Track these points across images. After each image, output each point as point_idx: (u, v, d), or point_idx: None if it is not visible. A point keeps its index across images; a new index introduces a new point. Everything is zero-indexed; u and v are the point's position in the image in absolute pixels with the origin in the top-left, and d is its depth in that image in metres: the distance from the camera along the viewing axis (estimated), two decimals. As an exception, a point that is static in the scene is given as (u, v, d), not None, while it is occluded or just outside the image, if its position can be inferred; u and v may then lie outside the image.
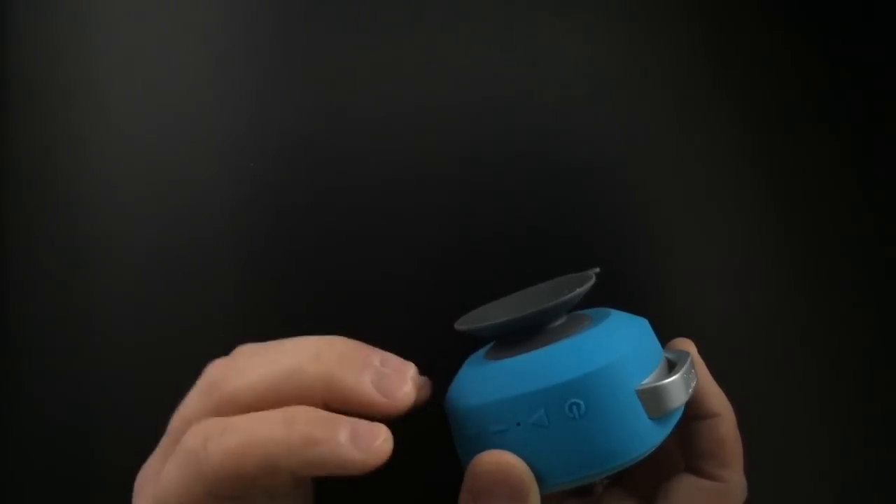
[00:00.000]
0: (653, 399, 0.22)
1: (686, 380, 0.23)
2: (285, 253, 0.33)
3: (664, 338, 0.26)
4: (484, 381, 0.23)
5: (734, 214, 0.35)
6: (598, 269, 0.26)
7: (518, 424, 0.21)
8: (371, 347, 0.23)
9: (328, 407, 0.21)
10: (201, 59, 0.33)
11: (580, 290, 0.24)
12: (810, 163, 0.36)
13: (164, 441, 0.23)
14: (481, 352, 0.27)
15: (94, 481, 0.32)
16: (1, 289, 0.32)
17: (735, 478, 0.25)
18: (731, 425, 0.26)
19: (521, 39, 0.34)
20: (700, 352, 0.27)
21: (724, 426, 0.26)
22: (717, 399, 0.26)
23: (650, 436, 0.22)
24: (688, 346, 0.27)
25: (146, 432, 0.32)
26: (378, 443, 0.20)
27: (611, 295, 0.34)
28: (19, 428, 0.32)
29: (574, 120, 0.34)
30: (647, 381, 0.22)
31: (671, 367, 0.24)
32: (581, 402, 0.21)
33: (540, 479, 0.22)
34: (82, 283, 0.32)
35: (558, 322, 0.25)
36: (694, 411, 0.26)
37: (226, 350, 0.24)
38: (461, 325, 0.25)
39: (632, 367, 0.22)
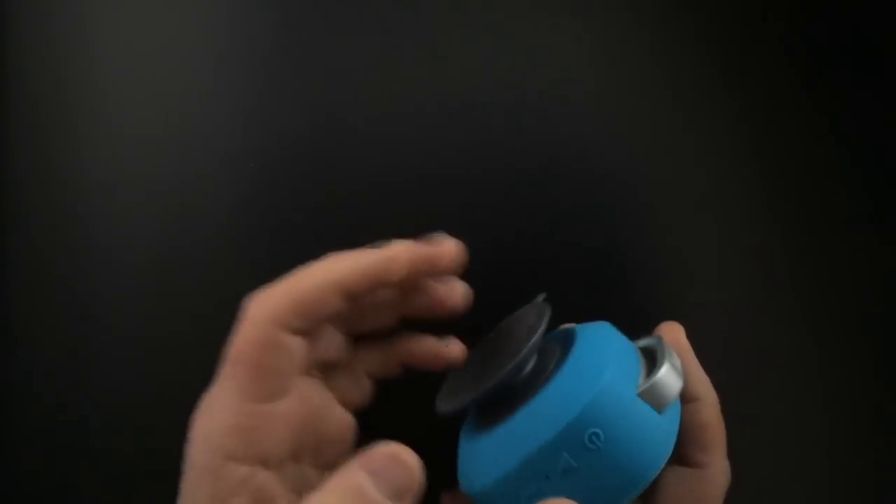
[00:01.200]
0: (656, 395, 0.22)
1: (674, 364, 0.23)
2: (285, 253, 0.32)
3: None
4: (494, 452, 0.22)
5: (734, 214, 0.35)
6: (544, 295, 0.25)
7: (548, 478, 0.21)
8: None
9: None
10: (201, 59, 0.33)
11: (542, 329, 0.23)
12: (810, 162, 0.36)
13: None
14: (469, 422, 0.26)
15: (94, 480, 0.32)
16: (1, 289, 0.32)
17: (717, 462, 0.25)
18: (713, 410, 0.25)
19: (521, 40, 0.34)
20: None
21: (705, 410, 0.25)
22: (700, 384, 0.25)
23: (668, 430, 0.22)
24: (676, 330, 0.27)
25: (146, 432, 0.32)
26: None
27: (610, 295, 0.34)
28: (19, 427, 0.32)
29: (574, 120, 0.34)
30: (643, 382, 0.22)
31: (650, 357, 0.24)
32: (598, 430, 0.21)
33: None
34: (82, 282, 0.32)
35: (531, 365, 0.24)
36: None
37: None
38: (443, 407, 0.24)
39: (624, 375, 0.22)
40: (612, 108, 0.35)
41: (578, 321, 0.27)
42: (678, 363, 0.24)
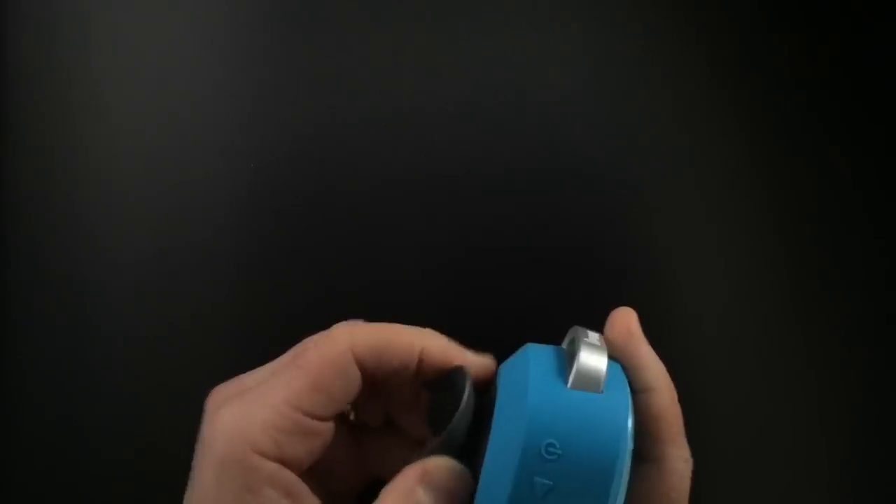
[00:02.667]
0: (585, 379, 0.22)
1: (589, 344, 0.23)
2: (285, 253, 0.33)
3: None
4: None
5: (734, 215, 0.35)
6: (462, 367, 0.25)
7: None
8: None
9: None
10: (201, 58, 0.33)
11: (462, 406, 0.23)
12: (810, 163, 0.36)
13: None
14: None
15: (94, 480, 0.32)
16: (1, 288, 0.32)
17: (675, 453, 0.23)
18: (668, 399, 0.24)
19: (521, 40, 0.34)
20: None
21: (658, 400, 0.23)
22: (651, 372, 0.24)
23: (618, 402, 0.22)
24: (627, 315, 0.25)
25: (146, 431, 0.32)
26: None
27: (610, 295, 0.34)
28: (19, 427, 0.32)
29: (574, 120, 0.34)
30: (569, 374, 0.22)
31: (573, 348, 0.23)
32: (550, 440, 0.21)
33: None
34: (82, 282, 0.32)
35: (469, 422, 0.24)
36: (630, 387, 0.24)
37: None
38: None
39: (548, 379, 0.22)
40: (613, 108, 0.35)
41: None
42: (596, 339, 0.23)
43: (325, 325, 0.26)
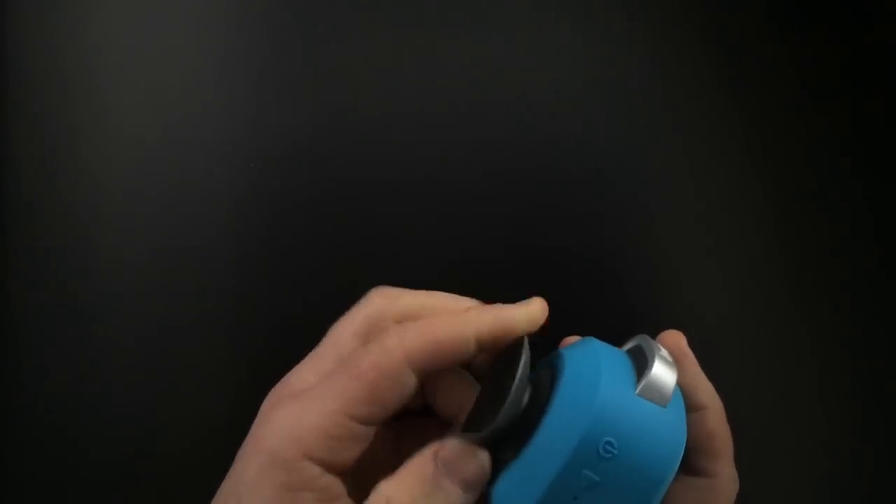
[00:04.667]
0: (654, 390, 0.22)
1: (663, 357, 0.23)
2: (285, 253, 0.33)
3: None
4: (516, 488, 0.23)
5: (734, 214, 0.35)
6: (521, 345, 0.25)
7: (575, 499, 0.21)
8: None
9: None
10: (201, 59, 0.33)
11: (520, 371, 0.23)
12: (810, 162, 0.36)
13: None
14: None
15: (94, 480, 0.32)
16: (1, 288, 0.32)
17: (725, 471, 0.25)
18: (719, 418, 0.25)
19: (521, 40, 0.34)
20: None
21: (712, 419, 0.25)
22: (705, 392, 0.25)
23: (676, 421, 0.23)
24: (677, 338, 0.26)
25: (146, 431, 0.32)
26: None
27: (608, 299, 0.34)
28: (19, 427, 0.32)
29: (574, 120, 0.34)
30: (639, 381, 0.22)
31: (640, 358, 0.24)
32: (610, 438, 0.21)
33: None
34: (82, 282, 0.32)
35: (526, 399, 0.24)
36: None
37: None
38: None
39: (618, 380, 0.23)
40: (613, 108, 0.35)
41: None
42: (667, 354, 0.24)
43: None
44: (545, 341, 0.26)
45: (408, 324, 0.24)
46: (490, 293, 0.26)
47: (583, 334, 0.26)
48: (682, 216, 0.35)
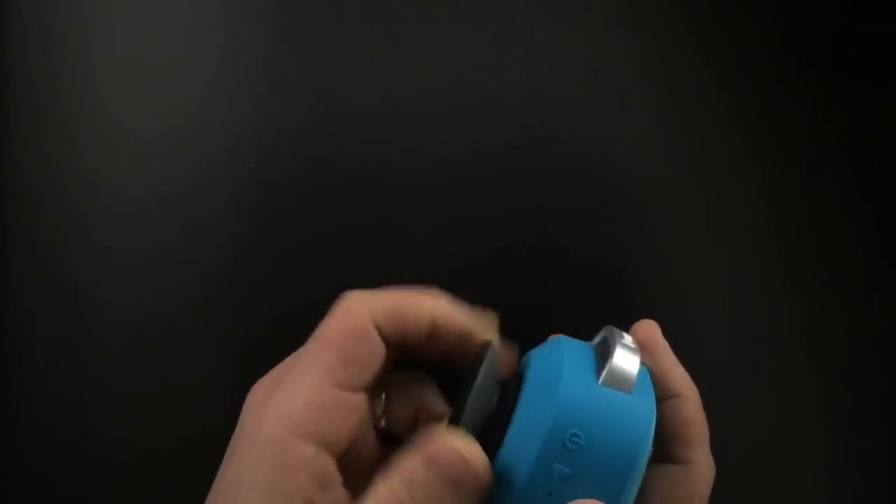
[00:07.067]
0: (617, 378, 0.23)
1: (625, 345, 0.24)
2: (285, 253, 0.33)
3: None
4: (497, 487, 0.23)
5: (734, 214, 0.35)
6: (488, 346, 0.25)
7: (551, 494, 0.22)
8: None
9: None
10: (201, 59, 0.33)
11: (479, 380, 0.23)
12: (810, 162, 0.36)
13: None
14: None
15: (94, 480, 0.32)
16: (1, 288, 0.32)
17: (701, 457, 0.25)
18: (695, 405, 0.25)
19: (521, 40, 0.34)
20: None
21: (687, 406, 0.25)
22: (679, 380, 0.25)
23: (644, 406, 0.23)
24: (651, 327, 0.26)
25: (146, 431, 0.32)
26: None
27: (610, 295, 0.34)
28: (19, 428, 0.32)
29: (574, 120, 0.34)
30: (602, 371, 0.23)
31: (605, 348, 0.24)
32: (574, 430, 0.21)
33: None
34: (82, 282, 0.32)
35: (496, 398, 0.24)
36: (657, 393, 0.25)
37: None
38: None
39: (581, 372, 0.23)
40: (613, 108, 0.35)
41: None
42: (630, 342, 0.24)
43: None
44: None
45: (371, 291, 0.24)
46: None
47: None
48: (683, 216, 0.35)
